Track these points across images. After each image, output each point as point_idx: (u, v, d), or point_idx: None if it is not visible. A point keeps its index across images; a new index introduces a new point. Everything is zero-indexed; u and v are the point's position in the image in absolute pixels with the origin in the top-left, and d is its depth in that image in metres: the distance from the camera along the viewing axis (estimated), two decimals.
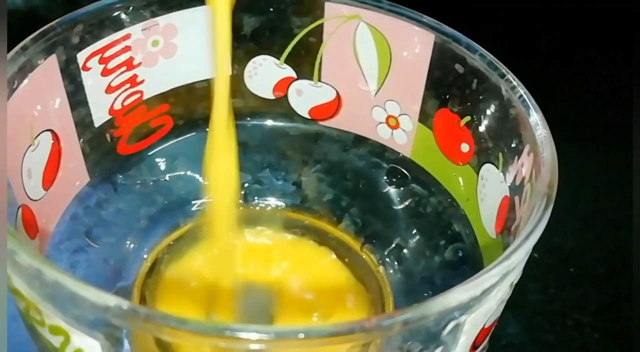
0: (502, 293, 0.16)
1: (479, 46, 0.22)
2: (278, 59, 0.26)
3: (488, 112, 0.23)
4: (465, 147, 0.24)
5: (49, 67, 0.21)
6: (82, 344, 0.15)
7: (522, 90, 0.21)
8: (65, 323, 0.15)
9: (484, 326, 0.17)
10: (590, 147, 0.33)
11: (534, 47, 0.38)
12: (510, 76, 0.21)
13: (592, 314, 0.28)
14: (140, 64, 0.24)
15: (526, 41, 0.39)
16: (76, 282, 0.14)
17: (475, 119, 0.23)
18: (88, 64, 0.23)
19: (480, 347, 0.19)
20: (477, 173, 0.23)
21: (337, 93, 0.26)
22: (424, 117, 0.25)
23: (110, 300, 0.13)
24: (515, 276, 0.17)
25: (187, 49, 0.25)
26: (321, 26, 0.25)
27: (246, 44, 0.26)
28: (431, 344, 0.15)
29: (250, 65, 0.26)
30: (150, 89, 0.25)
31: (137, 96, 0.25)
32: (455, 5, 0.32)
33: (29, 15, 0.38)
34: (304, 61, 0.26)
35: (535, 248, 0.16)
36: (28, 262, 0.14)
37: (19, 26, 0.21)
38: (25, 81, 0.20)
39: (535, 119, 0.20)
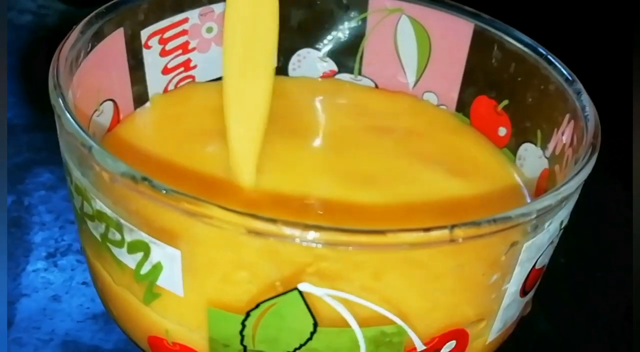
0: (554, 229, 0.18)
1: (515, 30, 0.24)
2: (320, 51, 0.28)
3: (527, 92, 0.24)
4: (502, 131, 0.26)
5: (117, 39, 0.23)
6: (162, 256, 0.16)
7: (560, 64, 0.23)
8: (148, 235, 0.16)
9: (535, 264, 0.18)
10: None
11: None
12: (549, 54, 0.23)
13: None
14: (194, 49, 0.26)
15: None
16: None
17: (513, 102, 0.25)
18: (149, 43, 0.25)
19: (527, 296, 0.20)
20: (515, 154, 0.25)
21: (376, 86, 0.28)
22: (461, 106, 0.27)
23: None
24: (565, 215, 0.18)
25: None
26: (364, 20, 0.28)
27: (291, 36, 0.28)
28: (491, 268, 0.17)
29: (295, 58, 0.28)
30: (201, 75, 0.27)
31: (188, 80, 0.27)
32: None
33: None
34: (346, 55, 0.28)
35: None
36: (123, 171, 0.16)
37: None
38: (96, 48, 0.22)
39: (578, 87, 0.22)
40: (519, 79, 0.25)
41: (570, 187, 0.17)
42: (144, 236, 0.17)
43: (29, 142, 0.35)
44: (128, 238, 0.17)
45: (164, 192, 0.16)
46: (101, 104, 0.23)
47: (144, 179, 0.16)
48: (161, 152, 0.22)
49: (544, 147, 0.24)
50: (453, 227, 0.15)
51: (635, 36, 0.27)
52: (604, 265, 0.31)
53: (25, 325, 0.27)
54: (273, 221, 0.15)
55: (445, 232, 0.15)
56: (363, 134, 0.25)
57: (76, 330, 0.27)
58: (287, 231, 0.15)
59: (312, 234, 0.15)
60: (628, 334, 0.28)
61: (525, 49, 0.24)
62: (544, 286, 0.26)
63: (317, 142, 0.25)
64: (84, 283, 0.29)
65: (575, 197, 0.19)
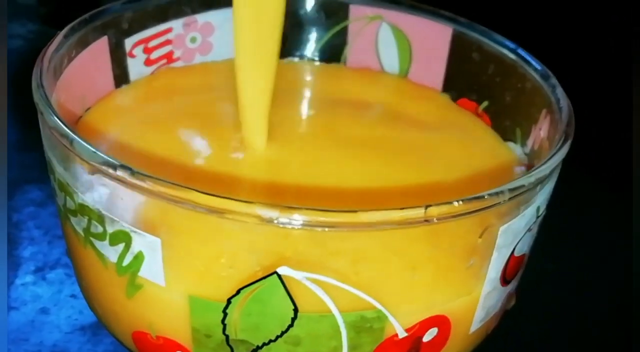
0: (530, 215, 0.18)
1: (492, 31, 0.25)
2: (303, 60, 0.29)
3: (505, 92, 0.25)
4: None
5: (101, 47, 0.24)
6: (143, 245, 0.17)
7: (534, 61, 0.23)
8: (128, 224, 0.16)
9: (513, 251, 0.19)
10: None
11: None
12: (522, 51, 0.24)
13: None
14: (179, 58, 0.27)
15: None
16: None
17: (492, 103, 0.26)
18: (134, 51, 0.25)
19: (509, 287, 0.20)
20: None
21: None
22: None
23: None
24: (541, 201, 0.19)
25: (222, 48, 0.28)
26: (346, 28, 0.28)
27: None
28: (468, 252, 0.17)
29: None
30: None
31: None
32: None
33: None
34: (329, 62, 0.29)
35: None
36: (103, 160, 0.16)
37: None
38: (81, 54, 0.23)
39: (552, 82, 0.22)
40: (498, 79, 0.25)
41: (543, 170, 0.18)
42: (125, 226, 0.17)
43: (19, 160, 0.36)
44: (110, 229, 0.17)
45: (143, 178, 0.16)
46: (86, 110, 0.24)
47: (123, 167, 0.16)
48: (137, 136, 0.22)
49: (523, 144, 0.24)
50: (427, 206, 0.16)
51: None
52: (596, 271, 0.32)
53: (14, 337, 0.27)
54: (249, 203, 0.15)
55: (419, 212, 0.16)
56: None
57: (64, 341, 0.27)
58: (263, 212, 0.15)
59: (287, 215, 0.15)
60: (621, 338, 0.28)
61: (502, 50, 0.25)
62: (533, 291, 0.26)
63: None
64: (72, 296, 0.29)
65: (551, 184, 0.19)
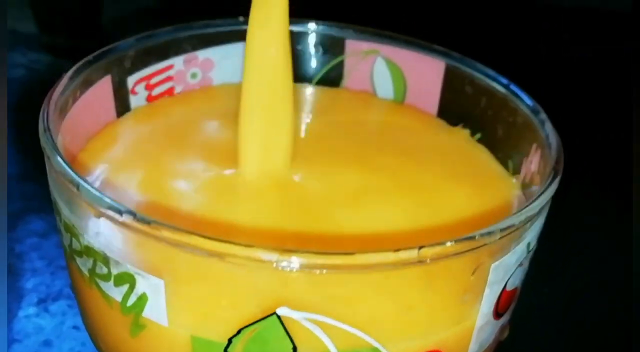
0: (521, 251, 0.19)
1: (483, 65, 0.26)
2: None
3: (497, 124, 0.26)
4: None
5: (104, 86, 0.25)
6: (147, 287, 0.17)
7: (525, 96, 0.24)
8: (132, 266, 0.17)
9: (505, 286, 0.19)
10: None
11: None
12: (514, 86, 0.25)
13: None
14: (180, 94, 0.28)
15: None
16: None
17: (485, 135, 0.26)
18: (136, 89, 0.26)
19: (502, 319, 0.21)
20: None
21: None
22: None
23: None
24: (532, 237, 0.19)
25: (223, 82, 0.28)
26: (342, 62, 0.29)
27: None
28: (461, 289, 0.18)
29: None
30: None
31: None
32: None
33: None
34: None
35: None
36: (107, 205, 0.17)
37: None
38: (85, 94, 0.24)
39: (542, 117, 0.23)
40: (490, 112, 0.26)
41: (532, 208, 0.18)
42: (129, 268, 0.18)
43: (21, 191, 0.37)
44: (114, 270, 0.18)
45: (148, 223, 0.17)
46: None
47: (128, 212, 0.17)
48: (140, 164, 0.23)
49: (516, 176, 0.25)
50: (421, 247, 0.16)
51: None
52: (592, 296, 0.32)
53: None
54: (248, 247, 0.16)
55: (413, 253, 0.16)
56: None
57: None
58: (262, 255, 0.16)
59: (286, 258, 0.16)
60: None
61: (493, 84, 0.26)
62: (528, 316, 0.26)
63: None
64: (74, 327, 0.29)
65: (541, 220, 0.20)
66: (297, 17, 0.29)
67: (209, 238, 0.16)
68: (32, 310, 0.30)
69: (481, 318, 0.19)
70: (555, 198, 0.21)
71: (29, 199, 0.36)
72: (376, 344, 0.18)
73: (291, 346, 0.17)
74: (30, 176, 0.38)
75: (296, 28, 0.28)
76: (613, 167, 0.39)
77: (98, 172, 0.23)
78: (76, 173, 0.18)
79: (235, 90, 0.24)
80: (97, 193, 0.18)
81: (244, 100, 0.23)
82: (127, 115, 0.26)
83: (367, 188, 0.23)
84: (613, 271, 0.33)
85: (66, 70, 0.24)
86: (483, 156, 0.26)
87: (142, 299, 0.18)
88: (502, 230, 0.17)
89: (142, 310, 0.18)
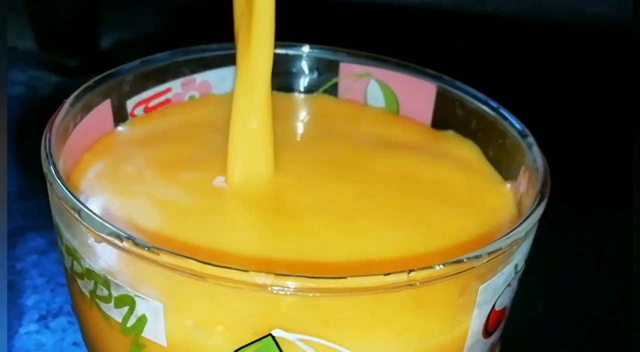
0: (509, 272, 0.20)
1: (473, 89, 0.27)
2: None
3: (487, 146, 0.27)
4: None
5: (104, 110, 0.25)
6: (146, 309, 0.18)
7: (514, 119, 0.25)
8: (133, 289, 0.18)
9: (494, 306, 0.20)
10: None
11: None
12: (503, 110, 0.25)
13: None
14: None
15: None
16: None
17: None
18: (135, 112, 0.27)
19: (492, 338, 0.21)
20: None
21: None
22: None
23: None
24: (519, 258, 0.20)
25: None
26: (336, 85, 0.30)
27: None
28: (450, 310, 0.18)
29: None
30: None
31: None
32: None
33: None
34: None
35: None
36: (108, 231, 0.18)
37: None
38: (85, 118, 0.24)
39: (529, 141, 0.24)
40: (480, 134, 0.27)
41: (519, 232, 0.19)
42: (129, 291, 0.18)
43: (21, 208, 0.37)
44: (115, 293, 0.19)
45: (145, 249, 0.17)
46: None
47: (128, 238, 0.18)
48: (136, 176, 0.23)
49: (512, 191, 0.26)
50: (410, 271, 0.17)
51: None
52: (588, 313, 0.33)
53: None
54: (244, 271, 0.17)
55: (403, 276, 0.17)
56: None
57: None
58: (258, 279, 0.17)
59: (280, 282, 0.17)
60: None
61: (483, 107, 0.26)
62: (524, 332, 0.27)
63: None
64: (74, 344, 0.30)
65: (528, 242, 0.21)
66: (293, 40, 0.30)
67: (206, 263, 0.17)
68: (32, 327, 0.31)
69: (471, 337, 0.20)
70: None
71: (28, 216, 0.37)
72: None
73: None
74: (30, 194, 0.38)
75: (292, 51, 0.29)
76: (607, 181, 0.40)
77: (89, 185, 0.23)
78: (77, 199, 0.19)
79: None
80: (98, 219, 0.18)
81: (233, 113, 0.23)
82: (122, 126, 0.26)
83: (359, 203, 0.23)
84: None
85: (65, 88, 0.25)
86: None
87: (142, 320, 0.19)
88: (489, 253, 0.18)
89: (141, 330, 0.19)
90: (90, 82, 0.24)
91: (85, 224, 0.18)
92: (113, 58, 0.49)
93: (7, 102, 0.44)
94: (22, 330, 0.30)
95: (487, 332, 0.21)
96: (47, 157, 0.20)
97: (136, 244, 0.17)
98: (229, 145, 0.23)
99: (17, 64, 0.50)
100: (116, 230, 0.18)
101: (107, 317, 0.19)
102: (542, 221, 0.21)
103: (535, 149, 0.23)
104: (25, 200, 0.37)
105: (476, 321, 0.20)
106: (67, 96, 0.25)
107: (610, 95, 0.45)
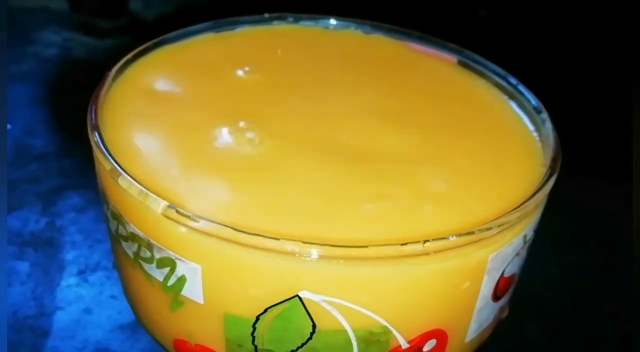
0: (517, 242, 0.21)
1: (491, 62, 0.28)
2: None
3: None
4: None
5: None
6: (186, 270, 0.20)
7: (529, 94, 0.26)
8: (174, 253, 0.20)
9: (503, 273, 0.22)
10: None
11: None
12: (520, 85, 0.26)
13: None
14: None
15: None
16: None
17: None
18: None
19: (501, 301, 0.23)
20: None
21: None
22: None
23: None
24: (528, 229, 0.21)
25: None
26: None
27: None
28: (461, 277, 0.20)
29: None
30: None
31: None
32: None
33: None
34: None
35: None
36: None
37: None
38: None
39: (543, 117, 0.25)
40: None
41: (527, 205, 0.21)
42: (170, 254, 0.20)
43: (59, 168, 0.39)
44: (157, 255, 0.21)
45: (187, 217, 0.19)
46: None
47: (169, 207, 0.19)
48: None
49: None
50: (425, 241, 0.19)
51: None
52: (593, 276, 0.34)
53: (62, 335, 0.30)
54: (275, 239, 0.18)
55: (418, 246, 0.19)
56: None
57: (106, 339, 0.30)
58: (287, 246, 0.18)
59: (307, 249, 0.19)
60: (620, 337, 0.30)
61: (500, 81, 0.28)
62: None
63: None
64: (112, 297, 0.32)
65: (538, 213, 0.22)
66: (317, 12, 0.31)
67: (241, 231, 0.19)
68: (73, 280, 0.33)
69: (481, 301, 0.22)
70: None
71: (66, 175, 0.38)
72: (385, 323, 0.20)
73: (311, 323, 0.20)
74: (67, 153, 0.40)
75: (318, 24, 0.30)
76: (613, 159, 0.40)
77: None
78: (124, 169, 0.20)
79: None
80: (143, 189, 0.20)
81: None
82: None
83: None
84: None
85: (98, 50, 0.25)
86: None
87: (182, 280, 0.21)
88: (499, 226, 0.20)
89: (181, 289, 0.21)
90: (130, 55, 0.26)
91: (130, 193, 0.20)
92: (143, 20, 0.50)
93: (41, 64, 0.46)
94: (63, 283, 0.32)
95: (496, 296, 0.23)
96: (93, 130, 0.22)
97: (177, 212, 0.19)
98: None
99: (50, 25, 0.51)
100: (158, 199, 0.20)
101: (149, 276, 0.21)
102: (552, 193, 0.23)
103: (549, 124, 0.24)
104: (62, 159, 0.39)
105: (486, 286, 0.21)
106: (99, 59, 0.26)
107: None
